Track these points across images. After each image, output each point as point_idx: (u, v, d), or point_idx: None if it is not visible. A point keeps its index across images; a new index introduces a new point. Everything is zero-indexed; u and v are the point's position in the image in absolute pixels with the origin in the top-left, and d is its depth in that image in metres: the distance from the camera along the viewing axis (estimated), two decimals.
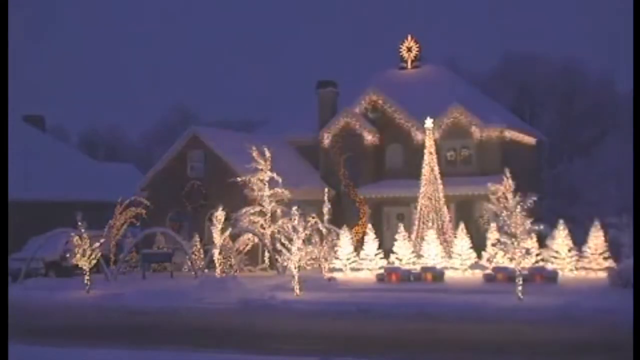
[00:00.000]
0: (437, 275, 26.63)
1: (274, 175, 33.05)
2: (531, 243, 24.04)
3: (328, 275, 28.06)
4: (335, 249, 29.35)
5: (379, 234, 30.99)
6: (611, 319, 18.02)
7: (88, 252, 26.56)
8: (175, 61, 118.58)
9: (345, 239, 29.42)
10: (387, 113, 38.83)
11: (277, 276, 29.63)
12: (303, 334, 17.95)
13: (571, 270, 26.80)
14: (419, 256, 28.74)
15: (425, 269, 27.07)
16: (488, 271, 26.43)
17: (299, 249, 24.11)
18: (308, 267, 29.66)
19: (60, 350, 15.75)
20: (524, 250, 21.52)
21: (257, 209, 32.88)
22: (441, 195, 31.58)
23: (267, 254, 32.60)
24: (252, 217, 32.59)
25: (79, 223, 26.67)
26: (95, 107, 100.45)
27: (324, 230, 30.16)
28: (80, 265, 26.71)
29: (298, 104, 45.70)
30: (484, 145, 36.86)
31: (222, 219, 29.71)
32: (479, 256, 28.47)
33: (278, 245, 25.40)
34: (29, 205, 35.46)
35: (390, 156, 38.94)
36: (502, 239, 21.77)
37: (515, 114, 48.47)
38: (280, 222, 31.74)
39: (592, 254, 26.68)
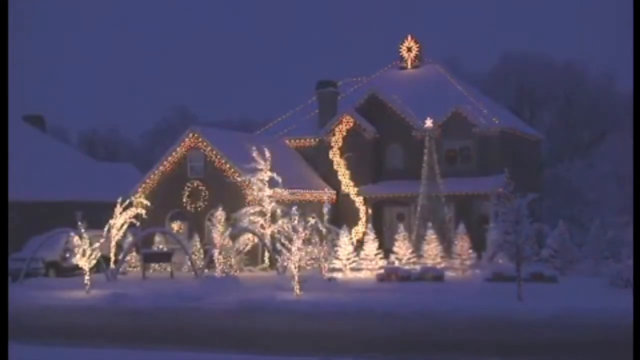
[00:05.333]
0: (437, 275, 26.62)
1: (274, 175, 33.05)
2: (531, 243, 24.04)
3: (328, 275, 28.05)
4: (335, 249, 29.35)
5: (379, 234, 30.99)
6: (611, 319, 18.02)
7: (88, 252, 26.55)
8: (175, 61, 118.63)
9: (345, 239, 29.41)
10: (387, 113, 38.82)
11: (277, 276, 29.61)
12: (303, 334, 17.95)
13: (570, 270, 26.79)
14: (419, 256, 28.74)
15: (425, 269, 27.06)
16: (487, 271, 26.42)
17: (298, 249, 24.09)
18: (308, 267, 29.65)
19: (60, 350, 15.76)
20: (524, 250, 21.51)
21: (257, 209, 32.87)
22: (441, 195, 31.56)
23: (267, 254, 32.60)
24: (252, 217, 32.59)
25: (79, 223, 26.66)
26: (95, 107, 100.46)
27: (324, 230, 30.15)
28: (80, 265, 26.71)
29: (298, 104, 45.69)
30: (484, 145, 36.85)
31: (222, 219, 29.69)
32: (479, 256, 28.46)
33: (278, 245, 25.39)
34: (29, 205, 35.45)
35: (390, 156, 38.94)
36: (502, 239, 21.77)
37: (515, 114, 48.49)
38: (280, 222, 31.74)
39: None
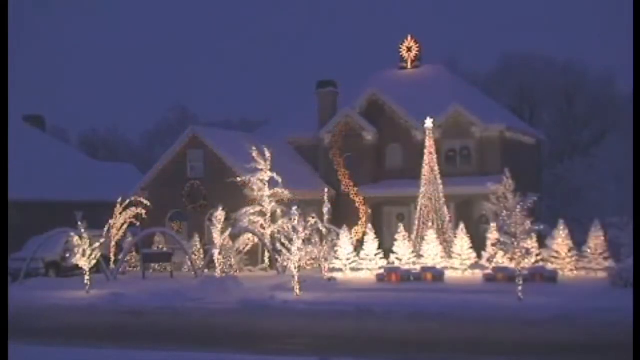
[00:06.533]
0: (437, 275, 26.63)
1: (274, 175, 33.06)
2: (531, 243, 24.05)
3: (328, 275, 28.07)
4: (335, 249, 29.35)
5: (379, 234, 30.99)
6: (611, 319, 18.03)
7: (88, 252, 26.58)
8: (176, 61, 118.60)
9: (345, 239, 29.42)
10: (387, 113, 38.84)
11: (277, 276, 29.64)
12: (303, 334, 17.97)
13: (571, 270, 26.80)
14: (419, 256, 28.74)
15: (425, 269, 27.06)
16: (488, 271, 26.44)
17: (299, 249, 24.12)
18: (308, 267, 29.67)
19: (60, 350, 15.78)
20: (524, 250, 21.53)
21: (257, 209, 32.87)
22: (441, 195, 31.56)
23: (267, 254, 32.61)
24: (252, 217, 32.59)
25: (79, 223, 26.68)
26: (95, 107, 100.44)
27: (324, 230, 30.15)
28: (80, 265, 26.73)
29: (298, 104, 45.69)
30: (484, 145, 36.85)
31: (222, 219, 29.70)
32: (479, 256, 28.46)
33: (278, 245, 25.41)
34: (29, 205, 35.46)
35: (390, 156, 38.93)
36: (502, 239, 21.79)
37: (515, 114, 48.50)
38: (280, 222, 31.76)
39: (592, 254, 26.68)
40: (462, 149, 37.31)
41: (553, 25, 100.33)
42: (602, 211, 33.69)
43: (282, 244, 24.54)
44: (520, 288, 21.25)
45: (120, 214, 32.94)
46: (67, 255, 29.63)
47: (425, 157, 31.86)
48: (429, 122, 32.55)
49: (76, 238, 26.68)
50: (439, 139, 36.34)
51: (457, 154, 37.38)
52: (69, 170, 40.97)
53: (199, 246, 32.35)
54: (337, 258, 29.18)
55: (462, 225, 28.99)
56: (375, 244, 29.31)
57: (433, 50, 58.27)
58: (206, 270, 30.68)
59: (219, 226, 29.46)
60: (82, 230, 26.52)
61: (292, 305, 22.07)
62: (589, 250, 26.76)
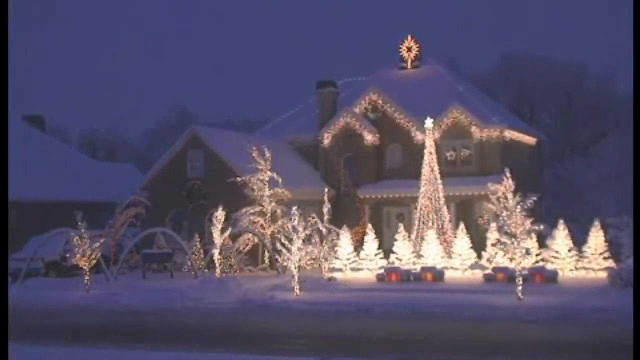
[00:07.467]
0: (437, 275, 26.64)
1: (274, 175, 33.05)
2: (531, 243, 24.06)
3: (328, 275, 28.07)
4: (335, 249, 29.36)
5: (379, 234, 30.99)
6: (611, 319, 18.04)
7: (88, 252, 26.58)
8: (176, 61, 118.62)
9: (345, 239, 29.42)
10: (387, 113, 38.83)
11: (277, 276, 29.64)
12: (303, 334, 17.97)
13: (571, 270, 26.81)
14: (419, 256, 28.75)
15: (425, 269, 27.07)
16: (488, 271, 26.45)
17: (299, 249, 24.12)
18: (308, 267, 29.66)
19: (60, 350, 15.79)
20: (524, 250, 21.54)
21: (257, 209, 32.86)
22: (441, 195, 31.57)
23: (267, 254, 32.60)
24: (252, 217, 32.58)
25: (79, 223, 26.69)
26: (95, 107, 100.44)
27: (324, 230, 30.15)
28: (80, 265, 26.74)
29: (298, 104, 45.71)
30: (484, 145, 36.86)
31: (222, 219, 29.71)
32: (479, 256, 28.47)
33: (278, 245, 25.41)
34: (29, 205, 35.45)
35: (390, 156, 38.93)
36: (502, 239, 21.80)
37: (515, 114, 48.50)
38: (280, 222, 31.76)
39: (592, 254, 26.69)
40: (462, 149, 37.31)
41: (553, 25, 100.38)
42: (602, 211, 33.71)
43: (282, 244, 24.54)
44: (520, 288, 21.26)
45: (121, 214, 32.93)
46: (67, 255, 29.65)
47: (425, 157, 31.87)
48: (429, 122, 32.56)
49: (76, 238, 26.69)
50: (439, 139, 36.38)
51: (457, 154, 37.38)
52: (69, 170, 40.96)
53: (199, 246, 32.34)
54: (337, 258, 29.18)
55: (462, 225, 29.01)
56: (375, 244, 29.30)
57: (433, 50, 58.24)
58: (206, 270, 30.67)
59: (219, 226, 29.45)
60: (82, 230, 26.52)
61: (292, 305, 22.08)
62: (589, 250, 26.77)
